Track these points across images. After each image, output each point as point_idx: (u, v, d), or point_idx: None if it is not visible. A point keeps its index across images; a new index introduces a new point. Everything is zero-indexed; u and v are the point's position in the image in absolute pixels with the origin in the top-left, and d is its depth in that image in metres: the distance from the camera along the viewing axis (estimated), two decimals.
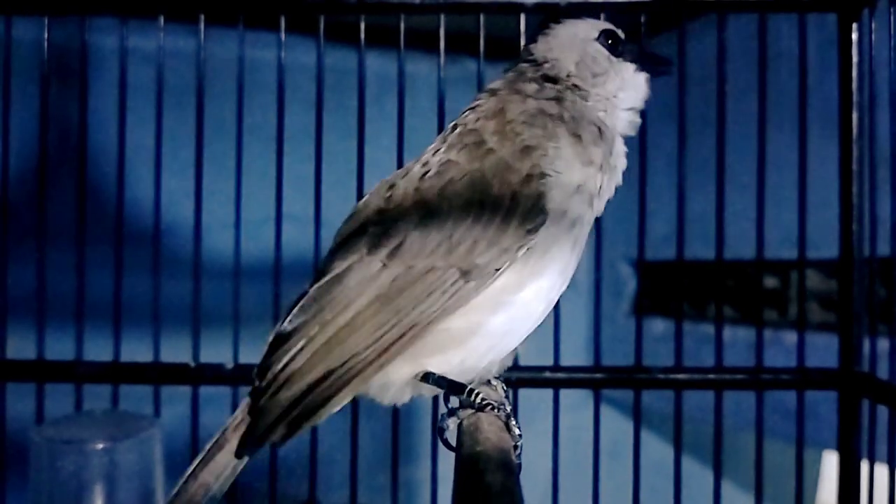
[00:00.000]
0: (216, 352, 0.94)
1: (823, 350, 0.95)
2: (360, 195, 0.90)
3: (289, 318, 0.63)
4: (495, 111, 0.67)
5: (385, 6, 0.94)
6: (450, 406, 0.66)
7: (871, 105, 0.91)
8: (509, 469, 0.51)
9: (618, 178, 0.69)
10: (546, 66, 0.70)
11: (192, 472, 0.63)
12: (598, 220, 0.75)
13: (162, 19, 0.95)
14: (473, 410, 0.62)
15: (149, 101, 0.95)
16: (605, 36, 0.71)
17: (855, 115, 0.92)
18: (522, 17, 0.93)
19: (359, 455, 0.93)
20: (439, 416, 0.67)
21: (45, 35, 0.94)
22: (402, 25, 0.94)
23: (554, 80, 0.69)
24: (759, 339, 0.94)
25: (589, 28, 0.72)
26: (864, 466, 0.89)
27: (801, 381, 0.93)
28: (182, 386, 0.94)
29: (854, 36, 0.92)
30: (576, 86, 0.69)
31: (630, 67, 0.71)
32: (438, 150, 0.66)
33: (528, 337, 0.66)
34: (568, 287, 0.66)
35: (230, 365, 0.93)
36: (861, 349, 0.92)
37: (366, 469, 0.96)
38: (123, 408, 0.93)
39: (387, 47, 0.95)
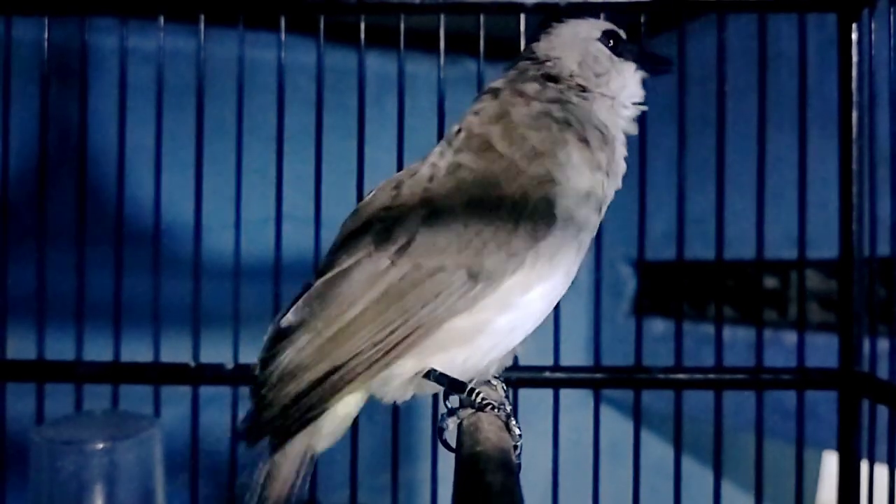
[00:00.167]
0: (216, 352, 0.94)
1: (823, 350, 0.95)
2: (360, 195, 0.90)
3: (292, 312, 0.62)
4: (499, 114, 0.67)
5: (385, 6, 0.94)
6: (449, 406, 0.66)
7: (870, 105, 0.91)
8: (509, 469, 0.51)
9: (618, 183, 0.69)
10: (548, 64, 0.70)
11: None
12: None
13: (162, 19, 0.95)
14: (473, 410, 0.62)
15: (149, 101, 0.95)
16: (606, 36, 0.71)
17: (855, 115, 0.92)
18: (522, 17, 0.93)
19: (359, 455, 0.93)
20: (439, 417, 0.67)
21: (45, 35, 0.94)
22: (402, 25, 0.94)
23: (555, 79, 0.69)
24: (759, 339, 0.94)
25: (591, 27, 0.72)
26: (864, 466, 0.89)
27: (801, 381, 0.93)
28: (182, 386, 0.94)
29: (854, 36, 0.92)
30: (578, 85, 0.69)
31: (631, 67, 0.71)
32: (445, 152, 0.66)
33: (528, 337, 0.66)
34: (568, 287, 0.66)
35: (230, 365, 0.93)
36: (861, 349, 0.92)
37: (366, 469, 0.96)
38: (123, 408, 0.93)
39: (387, 47, 0.95)
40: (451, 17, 0.94)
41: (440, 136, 0.92)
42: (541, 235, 0.61)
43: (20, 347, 0.94)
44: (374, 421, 0.93)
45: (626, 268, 1.90)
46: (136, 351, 0.94)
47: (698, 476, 1.07)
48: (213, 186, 0.95)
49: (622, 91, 0.70)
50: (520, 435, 0.61)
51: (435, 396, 0.87)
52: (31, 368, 0.93)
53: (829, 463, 1.69)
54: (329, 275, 0.62)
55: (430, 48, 0.94)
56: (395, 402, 0.65)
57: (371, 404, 0.67)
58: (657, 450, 1.18)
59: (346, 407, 0.63)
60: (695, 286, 1.55)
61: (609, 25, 0.72)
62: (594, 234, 0.66)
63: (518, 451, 0.61)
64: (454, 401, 0.66)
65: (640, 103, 0.72)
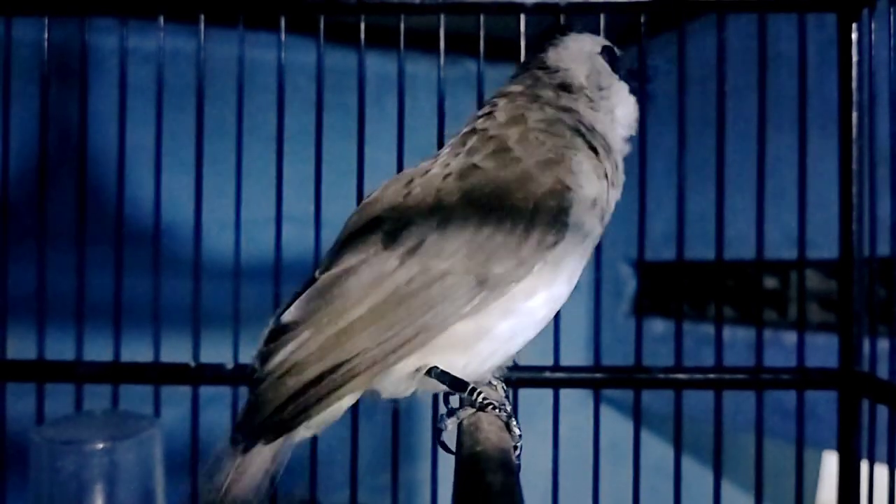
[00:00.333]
0: (216, 352, 0.94)
1: (823, 350, 0.95)
2: (360, 195, 0.90)
3: (294, 307, 0.62)
4: (515, 117, 0.67)
5: (385, 6, 0.94)
6: (449, 406, 0.66)
7: (870, 105, 0.91)
8: (509, 469, 0.51)
9: (619, 193, 0.70)
10: (559, 74, 0.72)
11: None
12: None
13: (162, 20, 0.95)
14: (474, 410, 0.62)
15: (149, 101, 0.95)
16: (605, 52, 0.74)
17: (855, 115, 0.92)
18: (522, 18, 0.93)
19: (359, 455, 0.93)
20: (438, 417, 0.67)
21: (46, 35, 0.94)
22: (402, 26, 0.94)
23: (568, 88, 0.71)
24: (758, 339, 0.94)
25: (593, 43, 0.74)
26: (864, 466, 0.89)
27: (801, 381, 0.93)
28: (182, 386, 0.94)
29: (854, 36, 0.92)
30: (587, 97, 0.71)
31: (625, 87, 0.74)
32: (459, 153, 0.66)
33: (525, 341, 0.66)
34: (570, 294, 0.66)
35: (230, 365, 0.93)
36: (861, 349, 0.92)
37: (366, 469, 0.96)
38: (123, 408, 0.93)
39: (387, 48, 0.95)
40: (451, 17, 0.94)
41: (440, 136, 0.93)
42: (551, 243, 0.61)
43: (20, 347, 0.94)
44: (374, 421, 0.94)
45: (626, 268, 1.90)
46: (136, 351, 0.94)
47: (698, 476, 1.07)
48: (213, 186, 0.95)
49: (618, 107, 0.73)
50: (520, 435, 0.61)
51: (435, 396, 0.87)
52: (31, 368, 0.93)
53: (829, 463, 1.69)
54: (334, 271, 0.62)
55: (430, 48, 0.94)
56: (395, 403, 0.65)
57: (371, 404, 0.67)
58: (657, 450, 1.18)
59: (343, 402, 0.63)
60: (695, 286, 1.55)
61: (607, 42, 0.75)
62: (597, 242, 0.67)
63: (518, 452, 0.61)
64: (454, 401, 0.66)
65: (633, 123, 0.74)
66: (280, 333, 0.61)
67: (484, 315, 0.61)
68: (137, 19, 0.96)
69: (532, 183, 0.62)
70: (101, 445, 0.77)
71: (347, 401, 0.63)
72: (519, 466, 0.57)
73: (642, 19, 0.93)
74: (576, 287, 0.67)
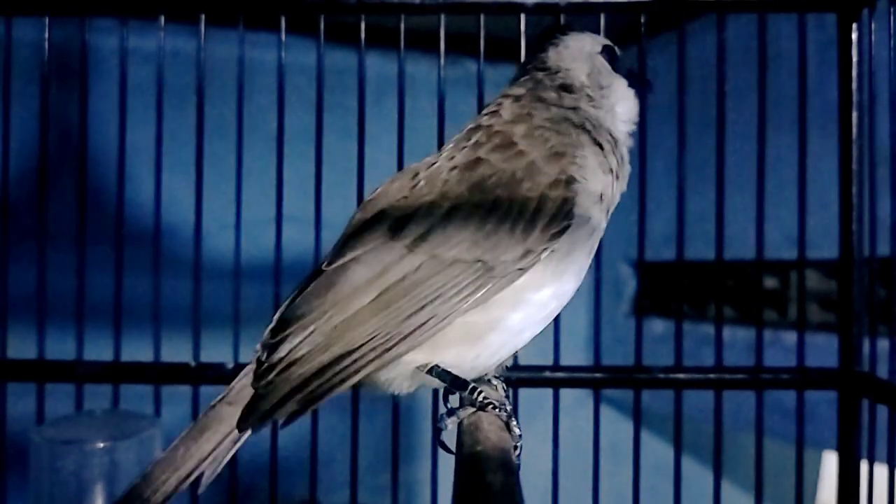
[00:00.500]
0: (217, 351, 0.94)
1: (823, 350, 0.95)
2: (360, 195, 0.90)
3: (301, 297, 0.62)
4: (521, 115, 0.68)
5: (385, 6, 0.94)
6: (449, 406, 0.66)
7: (870, 105, 0.91)
8: (509, 469, 0.51)
9: (625, 186, 0.71)
10: (560, 75, 0.72)
11: (181, 443, 0.59)
12: None
13: (162, 20, 0.95)
14: (474, 409, 0.62)
15: (149, 101, 0.95)
16: (606, 51, 0.75)
17: (855, 115, 0.92)
18: (522, 18, 0.93)
19: (359, 455, 0.93)
20: (438, 416, 0.67)
21: (46, 35, 0.94)
22: (403, 26, 0.94)
23: (569, 88, 0.72)
24: (758, 339, 0.94)
25: (593, 42, 0.75)
26: (864, 466, 0.89)
27: (801, 381, 0.93)
28: (182, 386, 0.94)
29: (854, 36, 0.92)
30: (588, 96, 0.72)
31: (625, 83, 0.75)
32: (464, 147, 0.67)
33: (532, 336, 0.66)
34: (577, 288, 0.67)
35: (231, 365, 0.93)
36: (861, 349, 0.92)
37: (366, 469, 0.96)
38: (124, 408, 0.93)
39: (387, 48, 0.95)
40: (451, 17, 0.94)
41: (440, 136, 0.93)
42: (558, 234, 0.62)
43: (20, 347, 0.94)
44: (374, 421, 0.94)
45: (626, 268, 1.90)
46: (137, 351, 0.94)
47: (698, 476, 1.07)
48: (213, 187, 0.95)
49: (619, 104, 0.73)
50: (520, 435, 0.61)
51: (435, 396, 0.88)
52: (32, 368, 0.93)
53: (829, 463, 1.69)
54: (341, 261, 0.62)
55: (430, 48, 0.94)
56: (394, 403, 0.65)
57: (371, 404, 0.67)
58: (657, 450, 1.18)
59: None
60: (695, 286, 1.55)
61: (607, 41, 0.76)
62: (601, 236, 0.68)
63: (518, 452, 0.61)
64: (454, 400, 0.66)
65: (634, 118, 0.75)
66: (287, 324, 0.61)
67: (495, 306, 0.61)
68: (137, 19, 0.96)
69: (538, 174, 0.63)
70: (101, 445, 0.78)
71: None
72: (518, 466, 0.57)
73: (642, 19, 0.93)
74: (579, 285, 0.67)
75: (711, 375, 0.94)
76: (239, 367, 0.91)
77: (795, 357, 0.94)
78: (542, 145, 0.65)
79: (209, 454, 0.59)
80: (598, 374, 0.95)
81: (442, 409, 0.67)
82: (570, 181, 0.63)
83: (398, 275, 0.60)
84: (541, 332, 0.67)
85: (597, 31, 0.91)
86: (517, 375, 0.92)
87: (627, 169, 0.71)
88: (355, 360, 0.59)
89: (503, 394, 0.70)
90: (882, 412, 0.84)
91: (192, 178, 0.95)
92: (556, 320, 0.90)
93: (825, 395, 0.93)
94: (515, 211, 0.62)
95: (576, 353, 1.04)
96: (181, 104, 0.96)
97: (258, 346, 0.63)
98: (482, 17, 0.94)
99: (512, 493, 0.48)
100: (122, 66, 0.94)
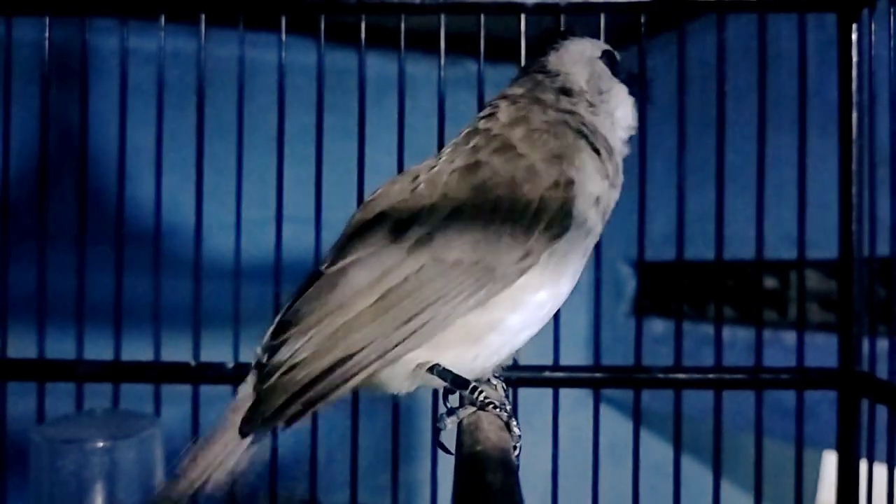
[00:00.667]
0: (217, 351, 0.94)
1: (823, 350, 0.95)
2: (360, 196, 0.90)
3: (301, 300, 0.62)
4: (518, 118, 0.68)
5: (385, 6, 0.94)
6: (449, 405, 0.66)
7: (870, 105, 0.91)
8: (509, 468, 0.51)
9: (618, 193, 0.71)
10: (559, 78, 0.72)
11: (192, 456, 0.60)
12: None
13: (162, 20, 0.95)
14: (474, 409, 0.62)
15: (149, 101, 0.95)
16: (606, 56, 0.75)
17: (855, 116, 0.92)
18: (523, 18, 0.93)
19: (359, 455, 0.93)
20: (438, 416, 0.67)
21: (46, 35, 0.94)
22: (403, 26, 0.94)
23: (568, 92, 0.72)
24: (758, 339, 0.94)
25: (593, 47, 0.75)
26: (864, 466, 0.89)
27: (801, 381, 0.93)
28: (183, 385, 0.94)
29: (854, 36, 0.92)
30: (587, 100, 0.72)
31: (624, 89, 0.75)
32: (463, 150, 0.67)
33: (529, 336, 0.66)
34: (572, 289, 0.67)
35: (231, 364, 0.93)
36: (860, 349, 0.92)
37: (366, 469, 0.96)
38: (124, 407, 0.93)
39: (387, 48, 0.95)
40: (451, 17, 0.94)
41: (440, 136, 0.93)
42: (557, 236, 0.62)
43: (20, 347, 0.94)
44: (374, 421, 0.94)
45: (626, 268, 1.91)
46: (137, 350, 0.94)
47: (698, 476, 1.07)
48: (213, 187, 0.95)
49: (618, 110, 0.74)
50: (519, 436, 0.62)
51: (435, 396, 0.88)
52: (32, 367, 0.93)
53: (829, 463, 1.69)
54: (341, 263, 0.62)
55: (430, 49, 0.94)
56: (394, 403, 0.65)
57: (371, 404, 0.67)
58: (657, 450, 1.17)
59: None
60: (695, 286, 1.55)
61: (607, 46, 0.76)
62: (597, 240, 0.68)
63: (517, 452, 0.61)
64: (454, 400, 0.67)
65: (633, 124, 0.75)
66: (288, 326, 0.61)
67: (494, 307, 0.62)
68: (138, 19, 0.96)
69: (538, 177, 0.63)
70: (101, 444, 0.78)
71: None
72: (517, 466, 0.57)
73: (642, 19, 0.93)
74: (576, 287, 0.67)
75: (711, 375, 0.94)
76: (239, 367, 0.92)
77: (795, 357, 0.94)
78: (542, 148, 0.65)
79: (217, 463, 0.60)
80: (597, 374, 0.95)
81: (442, 409, 0.67)
82: (569, 184, 0.63)
83: (400, 277, 0.60)
84: (540, 331, 0.67)
85: (597, 31, 0.91)
86: (517, 375, 0.92)
87: (621, 178, 0.71)
88: (357, 363, 0.59)
89: (503, 394, 0.70)
90: (881, 412, 0.84)
91: (193, 178, 0.95)
92: (556, 320, 0.90)
93: (825, 395, 0.93)
94: (516, 213, 0.62)
95: (576, 353, 1.04)
96: (181, 104, 0.96)
97: (258, 350, 0.63)
98: (482, 17, 0.94)
99: (512, 492, 0.48)
100: (122, 67, 0.95)
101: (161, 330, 0.94)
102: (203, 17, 0.94)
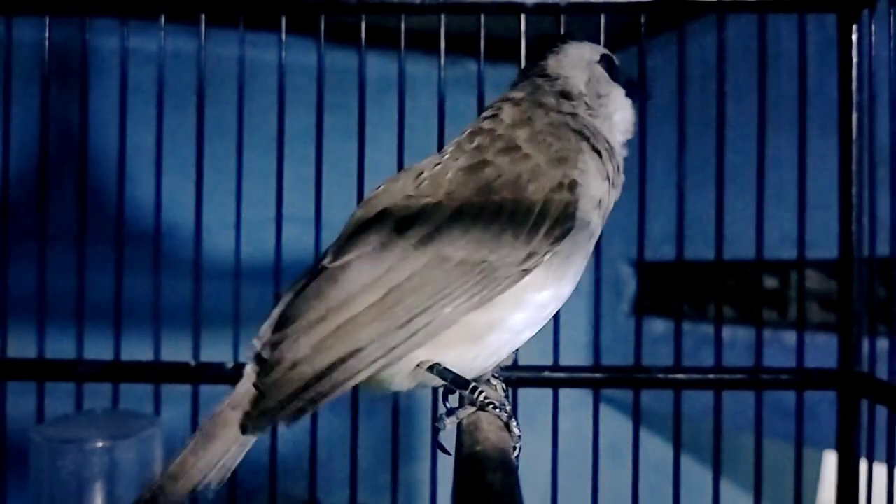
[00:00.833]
0: (217, 351, 0.94)
1: (823, 350, 0.95)
2: (360, 196, 0.90)
3: (304, 295, 0.61)
4: (522, 119, 0.69)
5: (385, 7, 0.94)
6: (448, 406, 0.66)
7: (870, 105, 0.91)
8: (509, 468, 0.51)
9: (619, 194, 0.72)
10: (559, 82, 0.73)
11: (189, 451, 0.59)
12: None
13: (163, 20, 0.95)
14: (473, 409, 0.62)
15: (149, 101, 0.95)
16: (604, 60, 0.76)
17: (854, 116, 0.92)
18: (523, 18, 0.93)
19: (359, 455, 0.93)
20: (437, 416, 0.67)
21: (46, 35, 0.94)
22: (403, 26, 0.94)
23: (568, 95, 0.72)
24: (758, 340, 0.94)
25: (592, 51, 0.76)
26: (864, 466, 0.89)
27: (801, 382, 0.93)
28: (182, 385, 0.94)
29: (854, 37, 0.92)
30: (586, 104, 0.73)
31: (623, 93, 0.75)
32: (467, 150, 0.67)
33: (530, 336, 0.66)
34: (573, 290, 0.67)
35: (231, 364, 0.93)
36: (860, 349, 0.92)
37: (366, 469, 0.96)
38: (124, 407, 0.93)
39: (387, 48, 0.96)
40: (451, 17, 0.94)
41: (440, 136, 0.93)
42: (561, 236, 0.63)
43: (20, 347, 0.94)
44: (374, 421, 0.94)
45: (626, 268, 1.91)
46: (137, 350, 0.94)
47: (698, 476, 1.07)
48: (213, 187, 0.95)
49: (616, 113, 0.74)
50: (519, 436, 0.62)
51: (435, 396, 0.88)
52: (32, 367, 0.93)
53: (830, 463, 1.69)
54: (344, 259, 0.62)
55: (430, 49, 0.94)
56: (394, 403, 0.65)
57: (371, 404, 0.67)
58: (657, 450, 1.18)
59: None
60: (695, 286, 1.55)
61: (605, 50, 0.77)
62: (597, 241, 0.69)
63: (517, 453, 0.61)
64: (453, 400, 0.66)
65: (631, 127, 0.76)
66: (289, 321, 0.61)
67: (496, 306, 0.62)
68: (138, 19, 0.96)
69: (543, 177, 0.63)
70: (101, 444, 0.78)
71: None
72: (517, 467, 0.57)
73: (642, 19, 0.93)
74: (576, 287, 0.67)
75: (711, 376, 0.94)
76: (239, 367, 0.92)
77: (795, 357, 0.94)
78: (546, 149, 0.65)
79: (218, 461, 0.59)
80: (597, 374, 0.95)
81: (441, 409, 0.67)
82: (573, 185, 0.64)
83: (404, 274, 0.60)
84: (541, 332, 0.67)
85: (597, 32, 0.91)
86: (517, 375, 0.92)
87: (622, 178, 0.72)
88: (361, 360, 0.59)
89: (503, 394, 0.70)
90: (881, 412, 0.84)
91: (193, 178, 0.95)
92: (556, 320, 0.90)
93: (825, 395, 0.93)
94: (520, 214, 0.62)
95: (576, 353, 1.04)
96: (181, 104, 0.96)
97: (256, 343, 0.63)
98: (482, 18, 0.94)
99: (511, 492, 0.48)
100: (122, 67, 0.95)
101: (161, 330, 0.94)
102: (203, 17, 0.94)
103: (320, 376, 0.59)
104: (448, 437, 0.64)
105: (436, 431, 0.65)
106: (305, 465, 0.94)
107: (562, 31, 0.92)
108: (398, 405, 0.91)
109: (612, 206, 0.70)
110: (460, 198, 0.63)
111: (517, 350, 0.68)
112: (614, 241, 1.03)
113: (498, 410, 0.62)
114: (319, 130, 0.95)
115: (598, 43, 0.84)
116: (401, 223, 0.62)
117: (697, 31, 1.00)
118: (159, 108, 0.95)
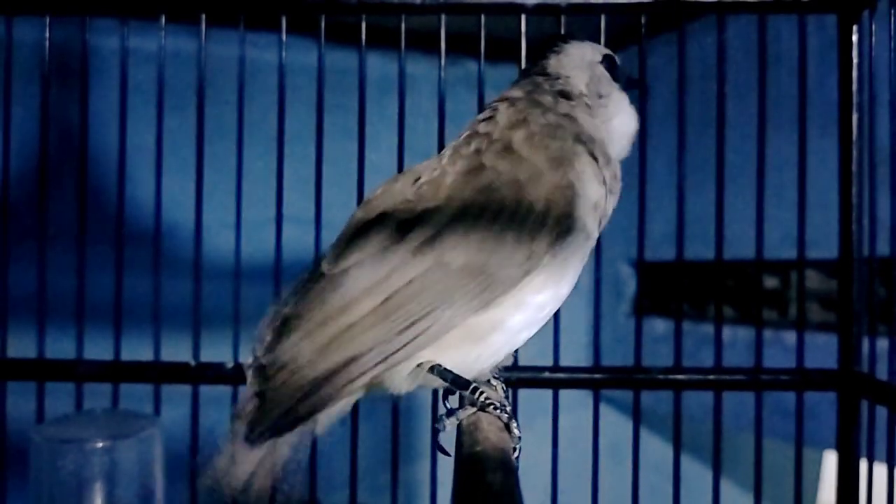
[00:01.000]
0: (217, 351, 0.94)
1: (823, 350, 0.95)
2: (360, 196, 0.90)
3: (304, 299, 0.62)
4: (518, 121, 0.68)
5: (386, 7, 0.94)
6: (448, 406, 0.66)
7: (870, 105, 0.91)
8: (509, 469, 0.51)
9: (616, 200, 0.71)
10: (559, 81, 0.73)
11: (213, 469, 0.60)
12: None
13: (163, 20, 0.95)
14: (474, 409, 0.62)
15: (150, 101, 0.95)
16: (606, 60, 0.75)
17: (855, 116, 0.92)
18: (523, 18, 0.93)
19: (359, 455, 0.93)
20: (437, 417, 0.67)
21: (46, 35, 0.94)
22: (403, 26, 0.94)
23: (567, 95, 0.72)
24: (758, 340, 0.94)
25: (594, 51, 0.75)
26: (864, 466, 0.89)
27: (801, 382, 0.93)
28: (182, 385, 0.94)
29: (854, 37, 0.92)
30: (586, 104, 0.72)
31: (625, 97, 0.75)
32: (465, 153, 0.67)
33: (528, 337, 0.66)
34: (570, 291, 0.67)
35: (230, 364, 0.93)
36: (860, 349, 0.92)
37: (366, 469, 0.96)
38: (124, 407, 0.93)
39: (387, 48, 0.96)
40: (451, 17, 0.94)
41: (441, 136, 0.93)
42: (560, 239, 0.62)
43: (20, 347, 0.94)
44: (374, 421, 0.94)
45: (626, 268, 1.91)
46: (137, 350, 0.94)
47: (698, 476, 1.07)
48: (213, 187, 0.95)
49: (617, 117, 0.73)
50: (519, 437, 0.61)
51: (435, 397, 0.88)
52: (32, 367, 0.93)
53: (830, 463, 1.69)
54: (345, 264, 0.62)
55: (430, 49, 0.94)
56: (394, 403, 0.65)
57: (371, 404, 0.67)
58: (657, 450, 1.18)
59: (356, 395, 0.64)
60: (695, 286, 1.55)
61: (607, 50, 0.76)
62: (593, 245, 0.68)
63: (517, 454, 0.61)
64: (453, 401, 0.67)
65: (632, 129, 0.75)
66: (289, 327, 0.61)
67: (496, 308, 0.62)
68: (138, 20, 0.96)
69: (542, 180, 0.63)
70: (101, 444, 0.78)
71: (360, 393, 0.64)
72: (517, 467, 0.57)
73: (642, 20, 0.93)
74: (576, 287, 0.68)
75: (711, 376, 0.94)
76: (239, 367, 0.92)
77: (795, 357, 0.94)
78: (543, 151, 0.65)
79: (225, 472, 0.60)
80: (597, 375, 0.95)
81: (441, 410, 0.67)
82: (571, 188, 0.64)
83: (405, 279, 0.60)
84: (540, 332, 0.67)
85: (597, 32, 0.91)
86: (517, 376, 0.92)
87: (620, 185, 0.71)
88: (362, 365, 0.59)
89: (503, 394, 0.70)
90: (881, 412, 0.84)
91: (193, 178, 0.95)
92: (556, 321, 0.90)
93: (825, 395, 0.93)
94: (520, 216, 0.62)
95: (576, 354, 1.04)
96: (181, 104, 0.96)
97: (256, 349, 0.63)
98: (482, 18, 0.94)
99: (511, 492, 0.48)
100: (122, 67, 0.95)
101: (161, 330, 0.94)
102: (203, 17, 0.94)
103: (322, 382, 0.59)
104: (448, 438, 0.64)
105: (436, 432, 0.65)
106: (305, 465, 0.94)
107: (562, 31, 0.92)
108: (398, 406, 0.91)
109: (610, 212, 0.69)
110: (460, 202, 0.63)
111: (517, 350, 0.68)
112: (614, 241, 1.03)
113: (498, 411, 0.62)
114: (319, 130, 0.95)
115: (599, 43, 0.84)
116: (400, 228, 0.62)
117: (697, 32, 1.00)
118: (159, 108, 0.95)
